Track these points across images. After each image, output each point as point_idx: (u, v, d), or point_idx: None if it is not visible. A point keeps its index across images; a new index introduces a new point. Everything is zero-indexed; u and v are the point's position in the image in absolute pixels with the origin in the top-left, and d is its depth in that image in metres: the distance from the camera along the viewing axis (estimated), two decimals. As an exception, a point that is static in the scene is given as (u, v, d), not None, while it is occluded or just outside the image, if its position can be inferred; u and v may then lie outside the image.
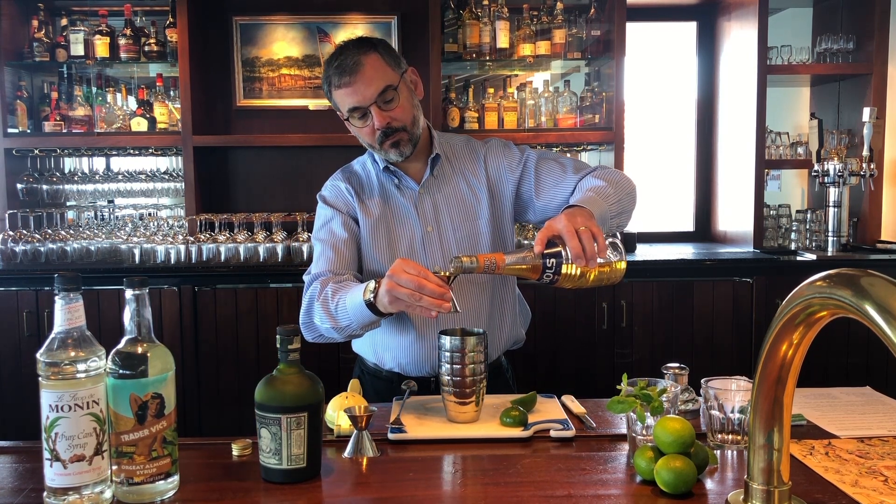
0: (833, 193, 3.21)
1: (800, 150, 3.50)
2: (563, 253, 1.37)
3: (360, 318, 1.53)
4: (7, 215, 3.18)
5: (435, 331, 1.68)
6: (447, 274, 1.40)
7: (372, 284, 1.48)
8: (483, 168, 1.79)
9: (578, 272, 1.37)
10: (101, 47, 3.22)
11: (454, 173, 1.80)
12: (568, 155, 3.69)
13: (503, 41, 3.27)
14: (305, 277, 1.71)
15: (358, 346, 1.87)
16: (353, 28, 3.39)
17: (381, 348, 1.79)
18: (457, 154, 1.82)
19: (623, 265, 1.44)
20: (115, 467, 1.06)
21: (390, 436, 1.33)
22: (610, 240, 1.43)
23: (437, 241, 1.75)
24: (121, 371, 1.04)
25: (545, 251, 1.38)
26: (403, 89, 1.68)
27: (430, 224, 1.76)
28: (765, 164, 3.33)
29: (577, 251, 1.34)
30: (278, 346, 1.15)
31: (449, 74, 3.37)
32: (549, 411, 1.45)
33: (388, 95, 1.64)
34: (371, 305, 1.48)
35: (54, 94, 3.30)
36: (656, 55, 3.90)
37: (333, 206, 1.77)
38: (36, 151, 3.29)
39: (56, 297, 1.01)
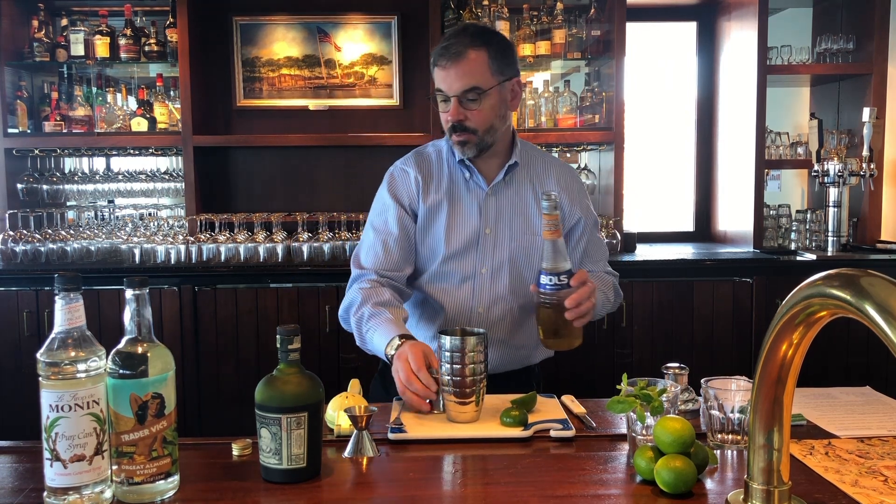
0: (833, 193, 3.20)
1: (800, 150, 3.50)
2: (571, 290, 1.52)
3: (380, 356, 1.61)
4: (7, 215, 3.18)
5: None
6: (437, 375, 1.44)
7: (396, 341, 1.54)
8: (553, 185, 1.81)
9: (556, 311, 1.52)
10: (101, 47, 3.22)
11: (525, 183, 1.80)
12: (569, 155, 3.70)
13: (503, 41, 3.26)
14: (353, 265, 1.76)
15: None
16: (353, 28, 3.39)
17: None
18: (532, 167, 1.83)
19: (575, 344, 1.58)
20: (115, 467, 1.06)
21: (390, 436, 1.33)
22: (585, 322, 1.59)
23: (491, 245, 1.76)
24: (121, 371, 1.04)
25: (570, 273, 1.52)
26: (493, 96, 1.67)
27: (489, 226, 1.77)
28: (765, 164, 3.33)
29: (578, 298, 1.50)
30: (278, 346, 1.15)
31: (449, 74, 3.36)
32: (549, 411, 1.45)
33: (471, 95, 1.64)
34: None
35: (54, 94, 3.30)
36: (656, 55, 3.90)
37: (395, 195, 1.77)
38: (36, 151, 3.29)
39: (56, 297, 1.01)
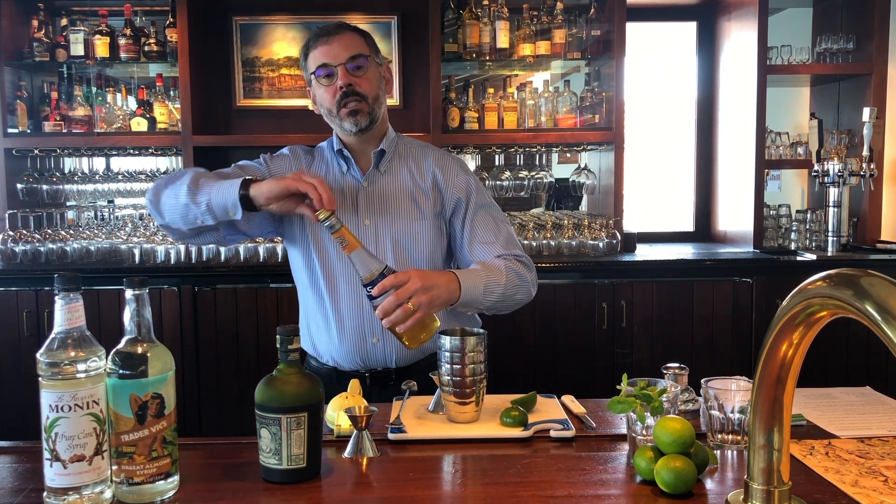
0: (833, 193, 3.21)
1: (800, 150, 3.50)
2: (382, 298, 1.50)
3: (221, 195, 1.56)
4: (7, 215, 3.18)
5: (361, 325, 1.72)
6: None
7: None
8: (431, 173, 1.81)
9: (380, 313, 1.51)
10: (101, 47, 3.22)
11: (402, 169, 1.81)
12: (569, 155, 3.70)
13: (503, 41, 3.27)
14: None
15: (303, 342, 1.88)
16: (353, 28, 3.39)
17: (316, 341, 1.81)
18: (411, 154, 1.84)
19: (423, 339, 1.55)
20: (115, 467, 1.06)
21: (390, 436, 1.33)
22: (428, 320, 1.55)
23: (373, 236, 1.76)
24: (121, 371, 1.04)
25: (382, 281, 1.49)
26: (375, 69, 1.74)
27: (368, 217, 1.77)
28: (765, 164, 3.33)
29: (384, 309, 1.49)
30: (278, 346, 1.15)
31: (449, 74, 3.36)
32: (550, 411, 1.45)
33: (359, 62, 1.71)
34: (245, 195, 1.54)
35: (54, 94, 3.30)
36: (656, 55, 3.90)
37: (268, 166, 1.81)
38: (36, 151, 3.29)
39: (56, 297, 1.01)
